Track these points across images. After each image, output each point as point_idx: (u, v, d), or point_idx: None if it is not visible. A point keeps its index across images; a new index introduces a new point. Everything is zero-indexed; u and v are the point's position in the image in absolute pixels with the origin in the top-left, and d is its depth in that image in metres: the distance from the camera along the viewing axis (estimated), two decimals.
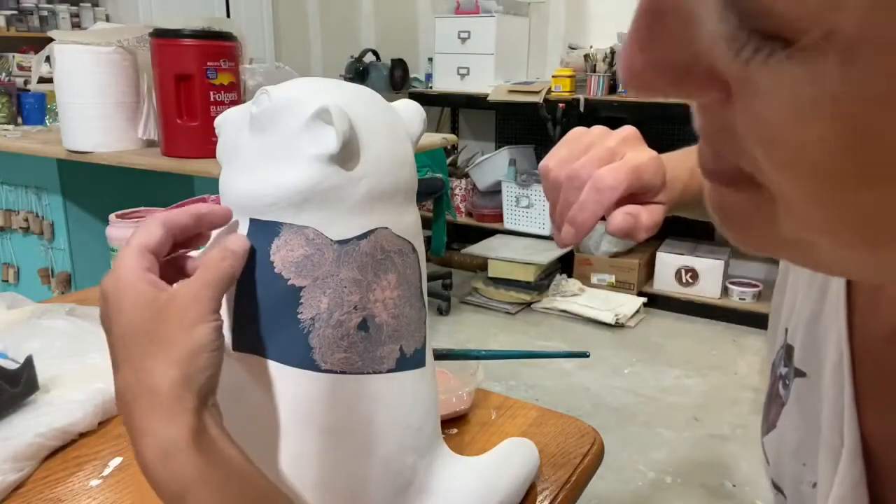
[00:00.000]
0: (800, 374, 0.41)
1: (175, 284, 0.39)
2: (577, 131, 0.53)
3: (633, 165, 0.48)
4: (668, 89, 0.22)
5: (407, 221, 0.46)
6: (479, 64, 3.45)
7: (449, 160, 3.52)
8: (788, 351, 0.43)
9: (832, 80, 0.17)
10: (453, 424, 0.71)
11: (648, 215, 0.49)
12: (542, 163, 0.52)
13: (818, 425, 0.38)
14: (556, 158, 0.51)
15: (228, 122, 0.46)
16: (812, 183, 0.20)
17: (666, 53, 0.20)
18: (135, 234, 0.40)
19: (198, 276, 0.39)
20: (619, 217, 0.48)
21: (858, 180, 0.19)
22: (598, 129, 0.52)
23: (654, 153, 0.51)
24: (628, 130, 0.52)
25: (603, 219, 0.50)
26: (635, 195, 0.49)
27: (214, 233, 0.44)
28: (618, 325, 2.94)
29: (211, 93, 1.54)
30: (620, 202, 0.49)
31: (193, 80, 1.52)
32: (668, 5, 0.20)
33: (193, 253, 0.45)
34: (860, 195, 0.19)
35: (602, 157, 0.49)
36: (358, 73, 3.69)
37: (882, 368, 0.35)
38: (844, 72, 0.17)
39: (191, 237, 0.43)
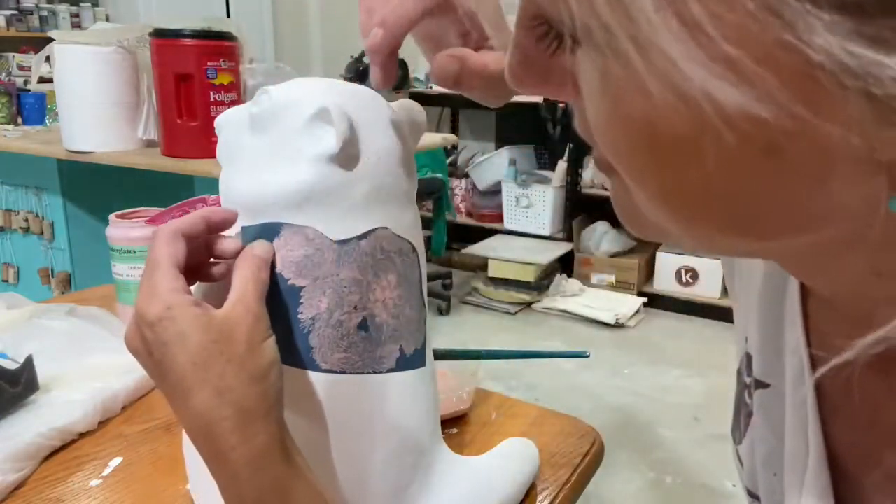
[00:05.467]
0: (761, 384, 0.41)
1: (226, 304, 0.39)
2: None
3: None
4: (536, 84, 0.27)
5: (407, 221, 0.46)
6: None
7: (449, 160, 3.52)
8: (749, 360, 0.42)
9: (597, 68, 0.22)
10: (453, 424, 0.71)
11: (478, 57, 0.42)
12: None
13: (784, 436, 0.38)
14: None
15: (228, 122, 0.46)
16: (625, 164, 0.24)
17: (531, 53, 0.26)
18: (161, 252, 0.39)
19: (247, 292, 0.39)
20: (442, 59, 0.42)
21: (650, 161, 0.23)
22: None
23: None
24: None
25: None
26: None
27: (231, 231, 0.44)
28: (618, 325, 2.94)
29: (211, 93, 1.53)
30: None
31: (193, 80, 1.52)
32: (530, 13, 0.25)
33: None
34: (658, 175, 0.23)
35: None
36: (358, 73, 3.68)
37: (840, 373, 0.35)
38: (601, 60, 0.22)
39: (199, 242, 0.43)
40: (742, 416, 0.43)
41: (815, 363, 0.36)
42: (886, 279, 0.26)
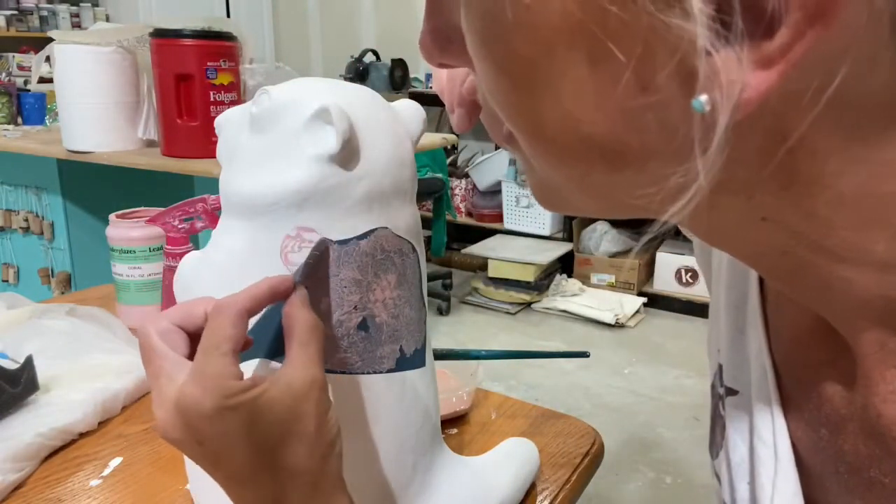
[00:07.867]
0: (731, 392, 0.41)
1: (289, 369, 0.36)
2: None
3: None
4: (439, 53, 0.29)
5: (407, 221, 0.46)
6: None
7: (449, 160, 3.52)
8: (720, 370, 0.42)
9: (469, 13, 0.24)
10: (453, 424, 0.71)
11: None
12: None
13: (754, 442, 0.38)
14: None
15: (228, 122, 0.46)
16: (498, 103, 0.26)
17: (437, 23, 0.28)
18: (225, 334, 0.35)
19: (312, 356, 0.37)
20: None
21: (512, 93, 0.25)
22: None
23: None
24: None
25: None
26: None
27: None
28: (618, 325, 2.94)
29: (211, 93, 1.54)
30: None
31: (193, 80, 1.52)
32: None
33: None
34: (525, 110, 0.25)
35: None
36: (358, 73, 3.68)
37: (794, 372, 0.35)
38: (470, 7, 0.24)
39: None
40: (717, 428, 0.43)
41: (777, 365, 0.36)
42: (772, 223, 0.26)
